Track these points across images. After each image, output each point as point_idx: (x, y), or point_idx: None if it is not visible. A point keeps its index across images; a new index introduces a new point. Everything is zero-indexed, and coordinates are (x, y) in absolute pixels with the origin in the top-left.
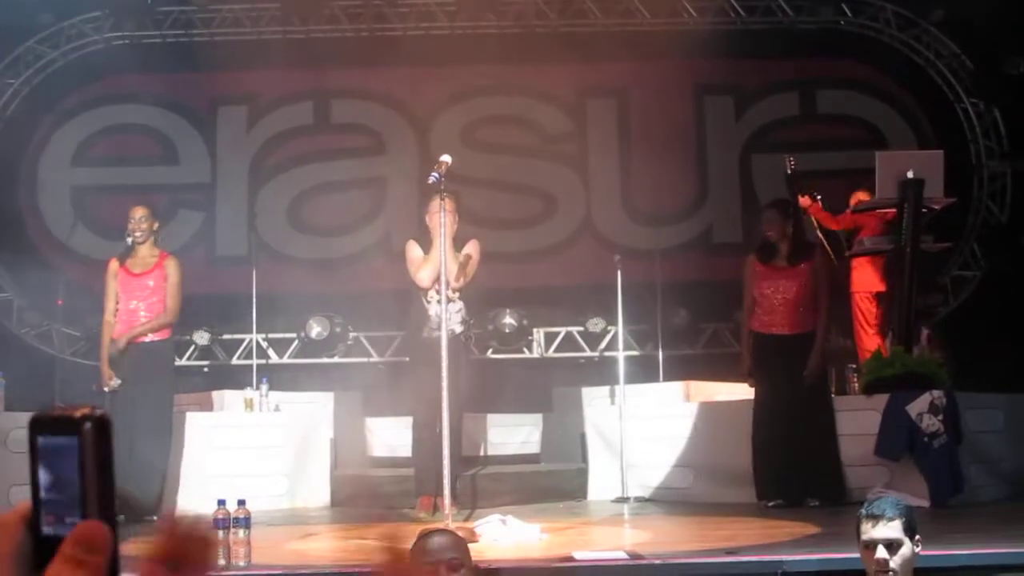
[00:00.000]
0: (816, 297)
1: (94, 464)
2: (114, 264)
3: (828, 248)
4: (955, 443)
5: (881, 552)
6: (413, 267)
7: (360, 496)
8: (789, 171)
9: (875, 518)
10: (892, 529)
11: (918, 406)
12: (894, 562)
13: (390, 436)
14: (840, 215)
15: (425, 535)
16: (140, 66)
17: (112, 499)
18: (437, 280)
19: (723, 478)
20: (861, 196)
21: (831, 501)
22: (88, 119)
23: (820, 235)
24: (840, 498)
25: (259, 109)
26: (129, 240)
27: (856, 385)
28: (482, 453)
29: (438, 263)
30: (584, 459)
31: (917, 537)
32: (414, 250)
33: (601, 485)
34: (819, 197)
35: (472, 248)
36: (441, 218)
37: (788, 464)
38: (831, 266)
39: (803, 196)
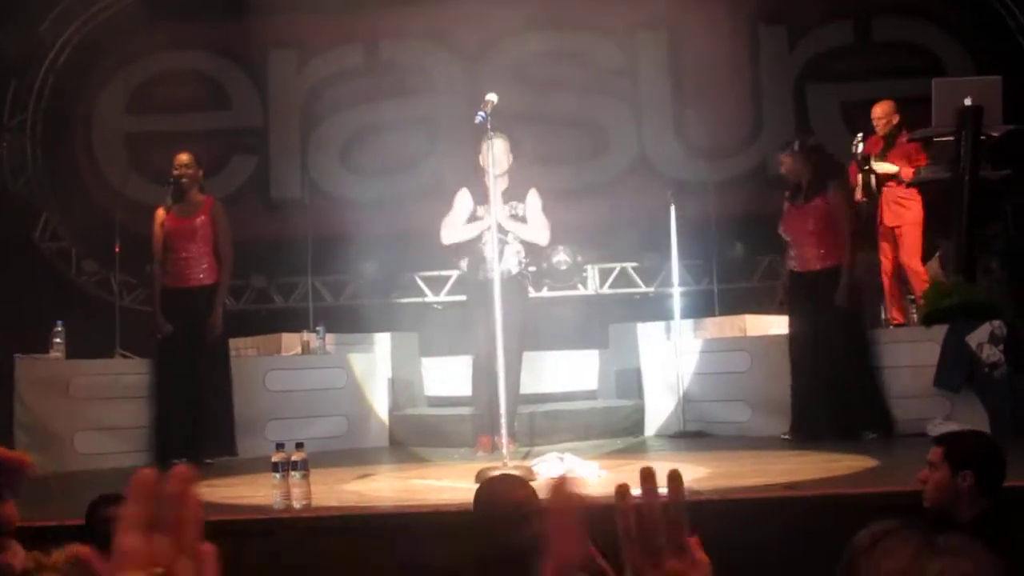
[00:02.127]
0: (836, 232)
1: None
2: (160, 212)
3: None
4: (1017, 373)
5: (923, 472)
6: (449, 219)
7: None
8: (855, 150)
9: (934, 440)
10: (935, 453)
11: (978, 336)
12: (928, 483)
13: (447, 376)
14: (892, 152)
15: (492, 484)
16: (189, 13)
17: None
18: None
19: (780, 411)
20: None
21: (882, 434)
22: (139, 67)
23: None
24: (889, 430)
25: (308, 52)
26: (171, 186)
27: (915, 316)
28: (538, 391)
29: (479, 229)
30: (640, 395)
31: (965, 471)
32: (459, 200)
33: (658, 421)
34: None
35: (533, 200)
36: (489, 158)
37: (820, 399)
38: (849, 199)
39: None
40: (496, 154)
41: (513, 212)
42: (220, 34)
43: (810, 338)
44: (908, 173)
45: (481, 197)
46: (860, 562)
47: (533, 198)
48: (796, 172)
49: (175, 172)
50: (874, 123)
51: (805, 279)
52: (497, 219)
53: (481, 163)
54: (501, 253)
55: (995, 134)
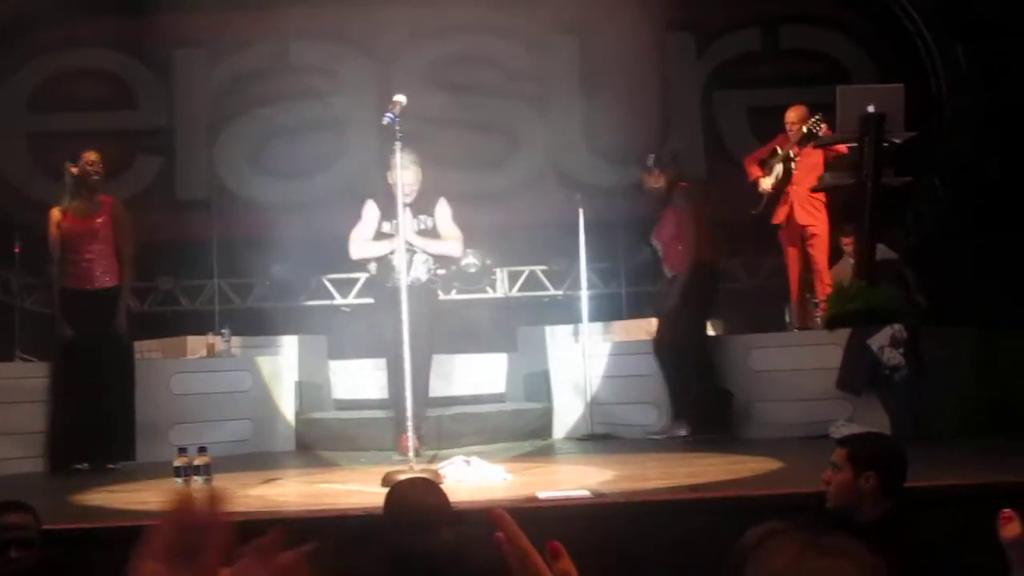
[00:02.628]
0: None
1: None
2: (56, 213)
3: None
4: (917, 376)
5: (826, 472)
6: (357, 234)
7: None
8: (817, 130)
9: (837, 442)
10: (838, 455)
11: (879, 340)
12: (831, 485)
13: (355, 379)
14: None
15: (400, 488)
16: (94, 9)
17: None
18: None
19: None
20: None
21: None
22: (42, 64)
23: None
24: (722, 430)
25: (216, 52)
26: (72, 182)
27: (819, 319)
28: (447, 394)
29: (388, 247)
30: (549, 398)
31: (868, 472)
32: (367, 212)
33: (566, 424)
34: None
35: (442, 210)
36: (398, 173)
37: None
38: (692, 206)
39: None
40: (407, 180)
41: (423, 226)
42: (126, 32)
43: (664, 340)
44: (812, 179)
45: (389, 213)
46: (745, 562)
47: (443, 208)
48: (654, 186)
49: (87, 168)
50: (787, 127)
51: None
52: (407, 238)
53: (390, 180)
54: (410, 263)
55: (897, 140)
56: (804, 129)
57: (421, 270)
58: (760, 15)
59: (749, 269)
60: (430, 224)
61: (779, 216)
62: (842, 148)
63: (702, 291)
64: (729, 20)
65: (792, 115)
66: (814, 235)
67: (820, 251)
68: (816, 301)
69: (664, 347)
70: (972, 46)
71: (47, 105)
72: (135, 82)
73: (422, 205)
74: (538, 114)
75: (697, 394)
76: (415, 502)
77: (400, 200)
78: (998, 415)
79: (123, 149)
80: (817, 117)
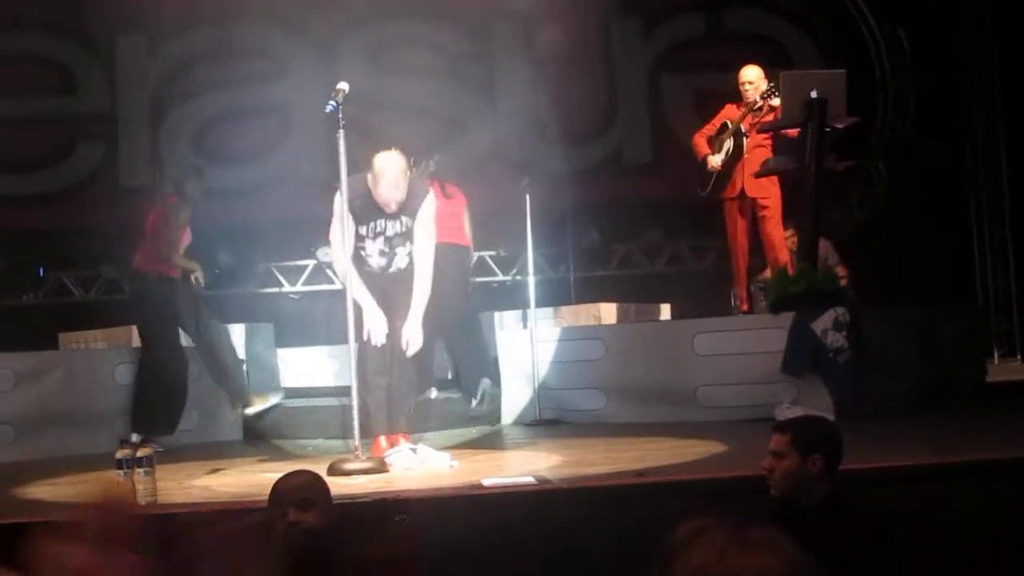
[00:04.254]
0: None
1: None
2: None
3: None
4: (859, 358)
5: (767, 461)
6: (337, 241)
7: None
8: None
9: (774, 429)
10: (778, 442)
11: (823, 323)
12: (776, 472)
13: (304, 367)
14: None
15: (281, 478)
16: None
17: None
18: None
19: (635, 399)
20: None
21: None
22: None
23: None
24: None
25: (158, 36)
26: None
27: (763, 303)
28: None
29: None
30: (497, 384)
31: (815, 456)
32: (339, 207)
33: (515, 409)
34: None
35: (426, 213)
36: (341, 162)
37: None
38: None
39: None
40: (394, 177)
41: (404, 228)
42: (65, 16)
43: None
44: (765, 151)
45: (366, 214)
46: (674, 558)
47: (427, 209)
48: None
49: None
50: (744, 88)
51: None
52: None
53: (369, 184)
54: (391, 261)
55: (839, 126)
56: (757, 97)
57: (403, 262)
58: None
59: (696, 252)
60: (409, 226)
61: (732, 189)
62: (793, 132)
63: None
64: (674, 4)
65: (751, 73)
66: (766, 207)
67: (773, 224)
68: (761, 286)
69: None
70: (915, 30)
71: None
72: (75, 67)
73: (409, 205)
74: (484, 98)
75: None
76: (272, 489)
77: (344, 200)
78: (939, 394)
79: (65, 135)
80: (772, 86)
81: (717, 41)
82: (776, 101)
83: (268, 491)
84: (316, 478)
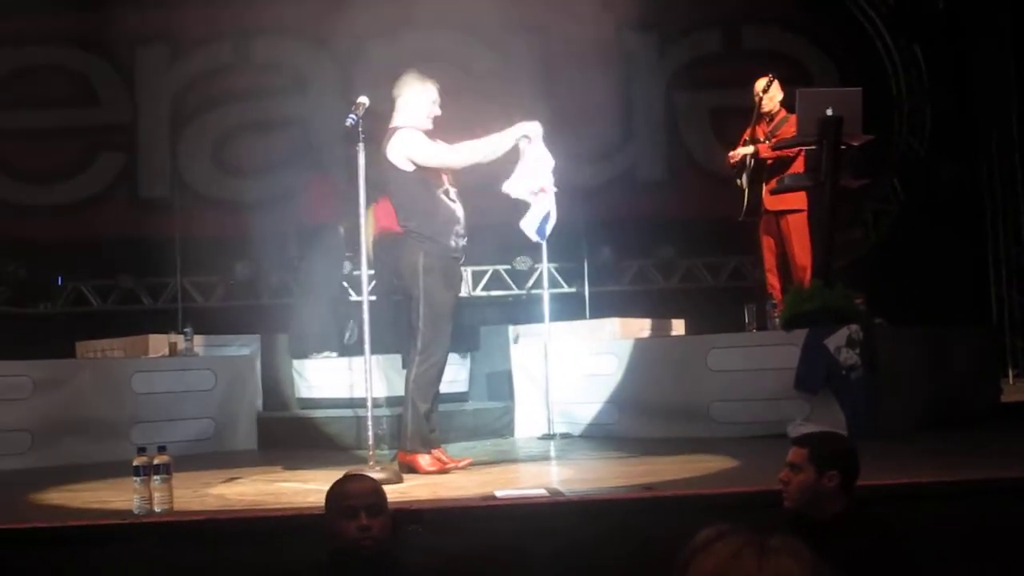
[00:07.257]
0: None
1: None
2: None
3: None
4: (872, 376)
5: (783, 472)
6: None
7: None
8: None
9: (793, 442)
10: (796, 454)
11: (836, 340)
12: (791, 485)
13: (319, 377)
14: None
15: (344, 479)
16: (55, 5)
17: None
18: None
19: (648, 414)
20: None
21: None
22: (2, 59)
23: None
24: None
25: (178, 48)
26: None
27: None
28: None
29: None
30: (511, 397)
31: (832, 472)
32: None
33: (528, 423)
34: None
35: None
36: (359, 161)
37: None
38: None
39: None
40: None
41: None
42: (87, 28)
43: None
44: (771, 181)
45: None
46: (691, 563)
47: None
48: None
49: None
50: (758, 97)
51: None
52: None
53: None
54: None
55: (854, 143)
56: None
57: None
58: (722, 16)
59: (710, 269)
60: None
61: (761, 208)
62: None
63: None
64: (691, 21)
65: (759, 84)
66: (788, 222)
67: (796, 239)
68: (774, 303)
69: None
70: (931, 49)
71: (7, 102)
72: (97, 79)
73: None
74: (500, 112)
75: None
76: (341, 491)
77: (363, 198)
78: (953, 413)
79: (85, 146)
80: (769, 77)
81: (733, 58)
82: (773, 93)
83: (283, 500)
84: (379, 485)
